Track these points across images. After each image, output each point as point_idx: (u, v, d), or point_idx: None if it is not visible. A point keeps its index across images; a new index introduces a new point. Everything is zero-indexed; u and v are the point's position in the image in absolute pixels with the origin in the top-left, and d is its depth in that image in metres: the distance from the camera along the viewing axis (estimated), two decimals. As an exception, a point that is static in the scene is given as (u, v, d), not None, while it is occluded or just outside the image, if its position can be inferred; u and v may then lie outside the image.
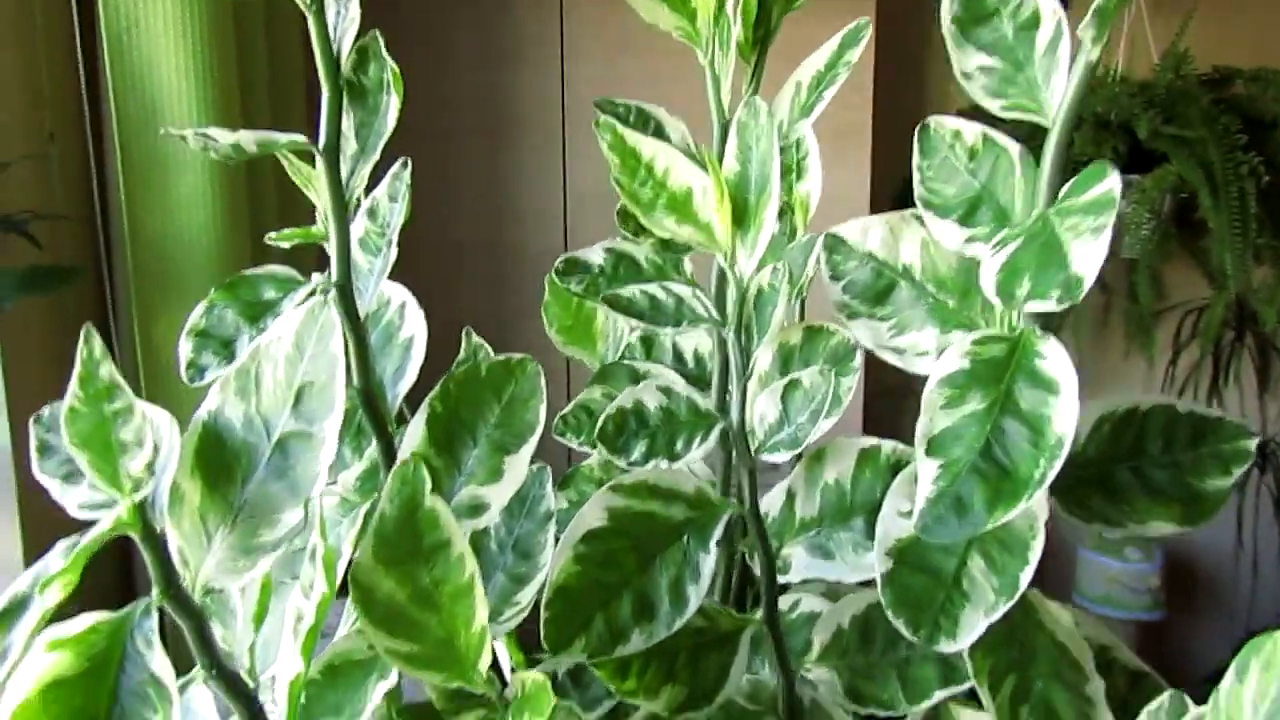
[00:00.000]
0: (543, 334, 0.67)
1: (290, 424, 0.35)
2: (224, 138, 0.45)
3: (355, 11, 0.48)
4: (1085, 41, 0.36)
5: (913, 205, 0.44)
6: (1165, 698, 0.35)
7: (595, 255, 0.57)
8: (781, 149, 0.57)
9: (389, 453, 0.51)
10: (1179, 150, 2.13)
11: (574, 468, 0.62)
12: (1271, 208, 2.14)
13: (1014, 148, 0.41)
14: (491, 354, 0.64)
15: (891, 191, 2.14)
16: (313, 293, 0.47)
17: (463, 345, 0.66)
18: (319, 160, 0.48)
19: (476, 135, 1.80)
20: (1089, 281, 0.32)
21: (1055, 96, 0.38)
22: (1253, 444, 0.45)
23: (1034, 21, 0.39)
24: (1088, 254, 0.32)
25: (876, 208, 2.01)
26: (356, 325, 0.50)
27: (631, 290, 0.47)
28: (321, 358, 0.35)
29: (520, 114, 1.79)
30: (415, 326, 0.53)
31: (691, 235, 0.47)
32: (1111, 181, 0.34)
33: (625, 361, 0.60)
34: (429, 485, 0.37)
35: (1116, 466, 0.45)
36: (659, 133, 0.58)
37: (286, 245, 0.61)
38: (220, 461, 0.35)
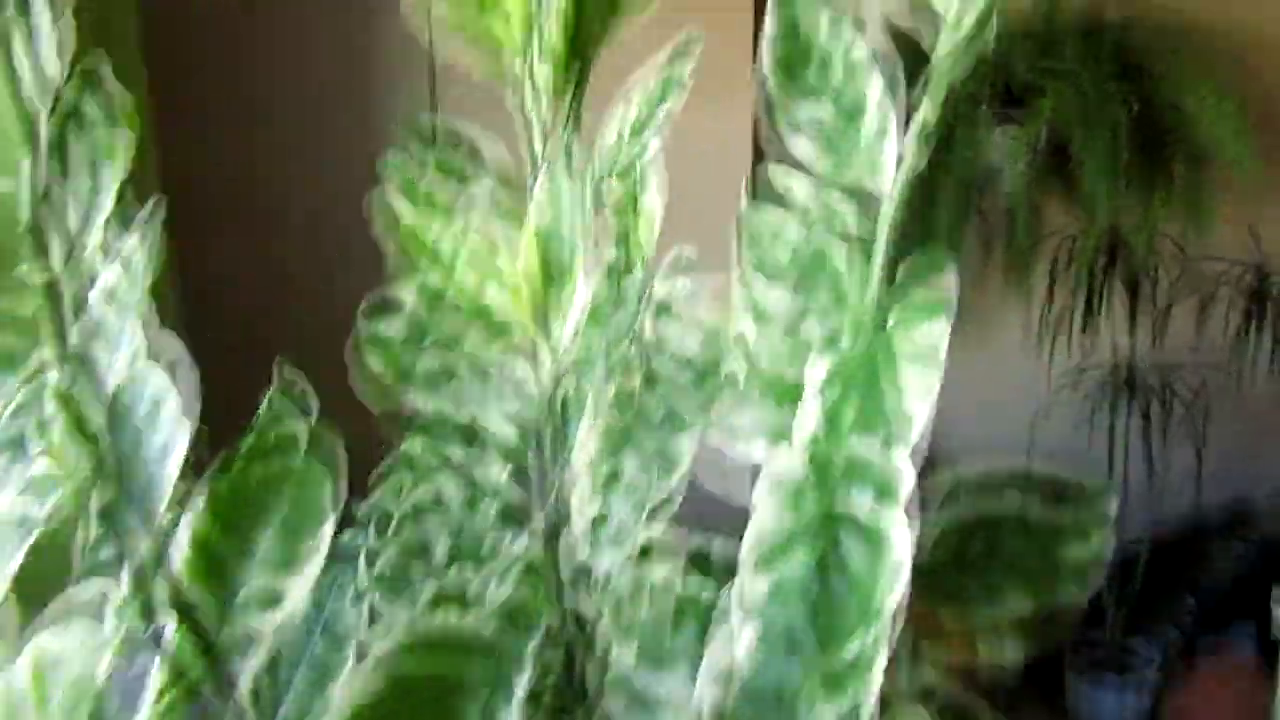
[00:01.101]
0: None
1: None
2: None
3: (69, 34, 0.39)
4: (921, 114, 0.31)
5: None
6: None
7: (407, 295, 0.50)
8: (611, 175, 0.51)
9: (162, 544, 0.44)
10: (1054, 84, 2.13)
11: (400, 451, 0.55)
12: (1141, 139, 2.17)
13: (849, 213, 0.35)
14: (310, 392, 0.57)
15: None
16: (32, 377, 0.39)
17: (273, 381, 0.58)
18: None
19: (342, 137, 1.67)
20: (919, 425, 0.27)
21: (886, 164, 0.33)
22: (1113, 507, 0.42)
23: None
24: (919, 391, 0.27)
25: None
26: (102, 399, 0.42)
27: (430, 361, 0.41)
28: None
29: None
30: (186, 392, 0.45)
31: (496, 297, 0.41)
32: (948, 282, 0.29)
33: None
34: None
35: (969, 539, 0.42)
36: (473, 155, 0.51)
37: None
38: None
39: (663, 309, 0.41)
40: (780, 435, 0.38)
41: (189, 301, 1.42)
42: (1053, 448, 2.63)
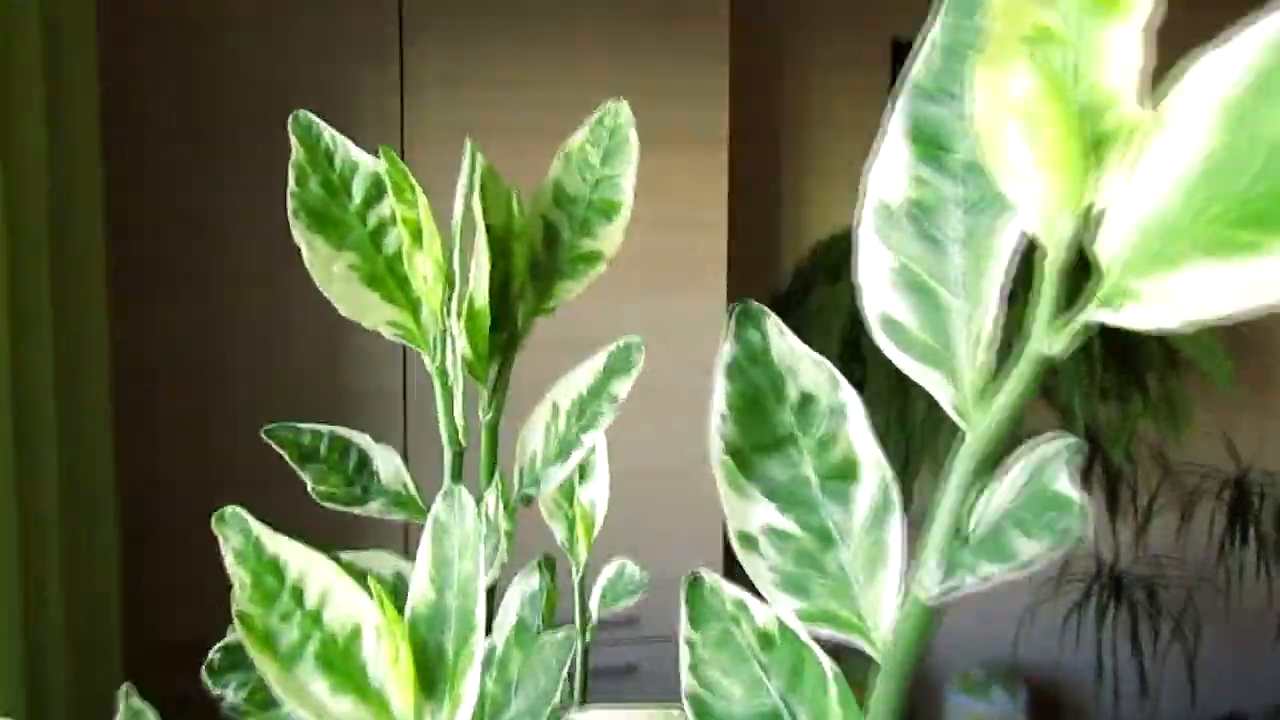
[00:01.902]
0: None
1: None
2: None
3: None
4: (929, 565, 0.22)
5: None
6: None
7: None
8: (530, 499, 0.41)
9: None
10: (1024, 290, 2.12)
11: None
12: (1114, 348, 2.14)
13: (825, 663, 0.26)
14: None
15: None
16: None
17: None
18: None
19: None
20: None
21: (883, 611, 0.23)
22: None
23: (848, 470, 0.25)
24: None
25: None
26: None
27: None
28: None
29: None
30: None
31: (353, 712, 0.30)
32: None
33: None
34: None
35: None
36: (363, 469, 0.41)
37: None
38: None
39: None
40: None
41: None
42: (1037, 659, 2.51)
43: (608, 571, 0.47)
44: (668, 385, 1.55)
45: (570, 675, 0.43)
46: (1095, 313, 0.19)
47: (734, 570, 0.26)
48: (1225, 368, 2.14)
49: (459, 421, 0.40)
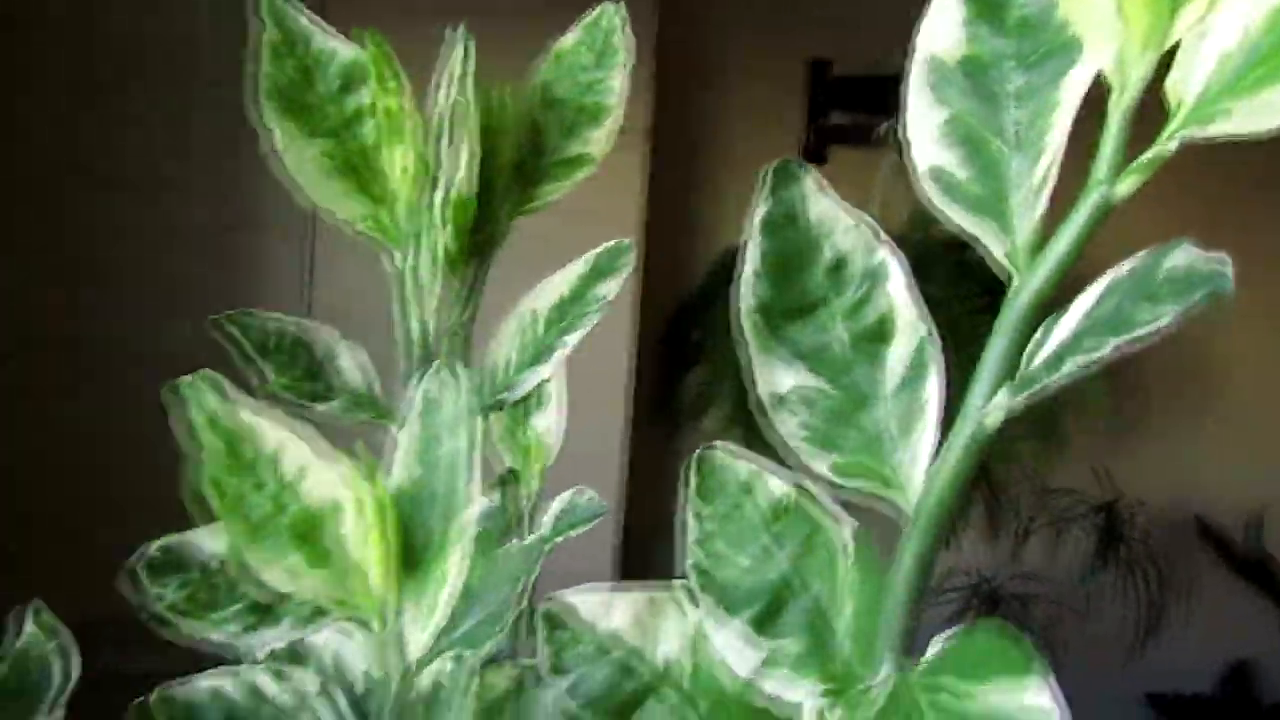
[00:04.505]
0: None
1: None
2: None
3: None
4: (973, 400, 0.22)
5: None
6: None
7: (209, 544, 0.37)
8: (500, 405, 0.40)
9: None
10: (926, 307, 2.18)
11: None
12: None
13: (845, 529, 0.25)
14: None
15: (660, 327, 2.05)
16: None
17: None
18: None
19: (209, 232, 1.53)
20: None
21: (916, 465, 0.23)
22: None
23: (882, 332, 0.25)
24: None
25: (643, 350, 1.90)
26: None
27: (219, 681, 0.28)
28: None
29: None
30: None
31: (326, 588, 0.29)
32: (1042, 695, 0.19)
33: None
34: None
35: None
36: (322, 369, 0.39)
37: None
38: None
39: (558, 619, 0.29)
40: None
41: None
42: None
43: (563, 498, 0.46)
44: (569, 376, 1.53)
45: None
46: (1173, 141, 0.19)
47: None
48: (1103, 400, 2.25)
49: (430, 324, 0.39)
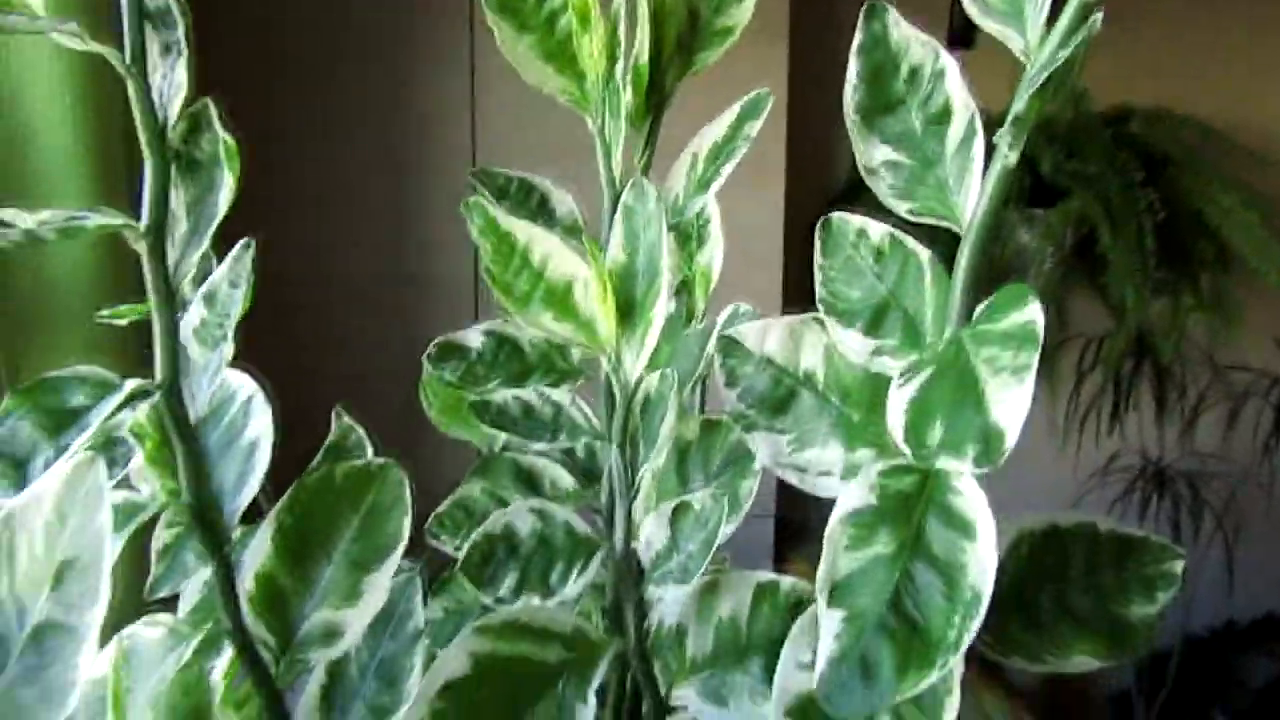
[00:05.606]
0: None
1: (48, 610, 0.28)
2: (20, 221, 0.38)
3: (182, 76, 0.41)
4: (1002, 147, 0.32)
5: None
6: None
7: (474, 339, 0.51)
8: (677, 226, 0.52)
9: (227, 577, 0.45)
10: (1080, 185, 2.16)
11: (450, 571, 0.56)
12: (1167, 243, 2.18)
13: (923, 253, 0.37)
14: (364, 439, 0.58)
15: (807, 222, 2.13)
16: (130, 399, 0.40)
17: (333, 427, 0.60)
18: (142, 243, 0.42)
19: (380, 183, 1.72)
20: (1010, 439, 0.28)
21: (968, 201, 0.34)
22: (1179, 566, 0.42)
23: (944, 115, 0.35)
24: (1009, 401, 0.28)
25: (791, 241, 1.99)
26: (186, 432, 0.44)
27: (503, 395, 0.41)
28: (87, 530, 0.29)
29: (429, 165, 1.72)
30: (260, 427, 0.47)
31: (571, 334, 0.42)
32: (1032, 311, 0.30)
33: (509, 454, 0.54)
34: (216, 697, 0.31)
35: (1038, 592, 0.41)
36: (544, 206, 0.53)
37: (123, 322, 0.54)
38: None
39: (731, 347, 0.42)
40: (853, 471, 0.38)
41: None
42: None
43: (728, 309, 0.58)
44: (725, 280, 1.64)
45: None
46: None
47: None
48: (1277, 264, 2.17)
49: (617, 169, 0.51)
